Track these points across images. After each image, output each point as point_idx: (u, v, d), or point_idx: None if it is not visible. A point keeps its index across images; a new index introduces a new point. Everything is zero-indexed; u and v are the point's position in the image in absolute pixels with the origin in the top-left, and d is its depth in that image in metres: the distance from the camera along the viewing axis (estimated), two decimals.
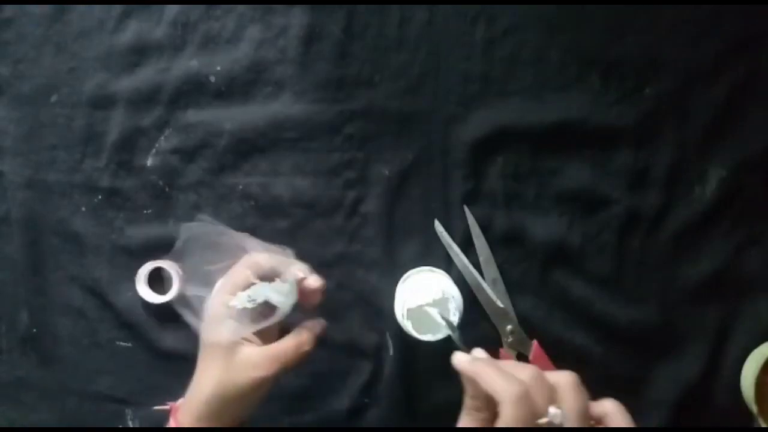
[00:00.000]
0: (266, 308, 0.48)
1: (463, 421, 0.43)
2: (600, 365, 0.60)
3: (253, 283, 0.48)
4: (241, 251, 0.50)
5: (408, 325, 0.53)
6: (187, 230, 0.52)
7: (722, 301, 0.60)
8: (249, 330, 0.48)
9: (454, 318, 0.53)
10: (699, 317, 0.60)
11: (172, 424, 0.49)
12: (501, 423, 0.39)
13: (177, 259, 0.52)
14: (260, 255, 0.50)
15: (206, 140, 0.62)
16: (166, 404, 0.51)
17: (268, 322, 0.48)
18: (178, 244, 0.52)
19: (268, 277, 0.49)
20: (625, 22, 0.60)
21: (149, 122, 0.62)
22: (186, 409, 0.48)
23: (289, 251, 0.51)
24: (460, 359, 0.43)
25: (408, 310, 0.53)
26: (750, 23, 0.60)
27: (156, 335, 0.62)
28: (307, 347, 0.49)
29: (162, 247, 0.62)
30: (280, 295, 0.48)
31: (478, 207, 0.61)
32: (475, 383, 0.41)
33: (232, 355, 0.48)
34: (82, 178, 0.63)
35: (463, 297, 0.55)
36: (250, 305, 0.48)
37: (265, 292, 0.48)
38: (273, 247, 0.51)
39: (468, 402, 0.43)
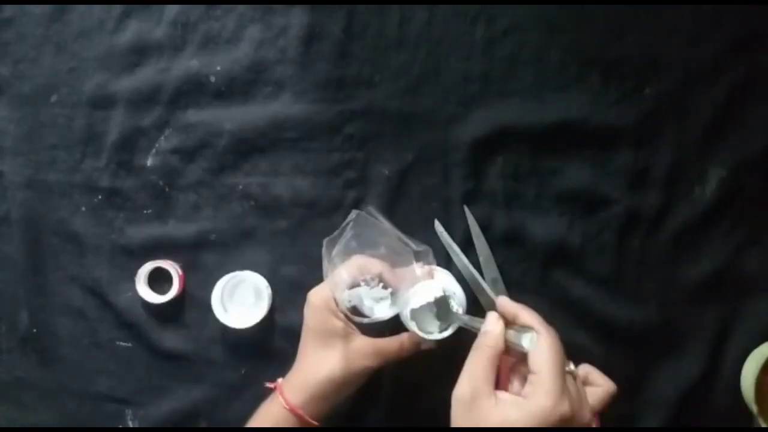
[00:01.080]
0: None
1: (475, 355, 0.48)
2: (600, 365, 0.60)
3: (359, 284, 0.53)
4: (394, 256, 0.54)
5: (413, 326, 0.53)
6: (354, 216, 0.56)
7: (722, 301, 0.60)
8: (364, 323, 0.53)
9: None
10: (699, 317, 0.60)
11: (278, 400, 0.52)
12: (542, 347, 0.45)
13: (335, 241, 0.55)
14: (372, 261, 0.53)
15: (206, 140, 0.62)
16: (272, 382, 0.54)
17: (363, 320, 0.53)
18: (344, 226, 0.55)
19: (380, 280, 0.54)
20: (625, 22, 0.60)
21: (149, 122, 0.62)
22: (297, 387, 0.52)
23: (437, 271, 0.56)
24: (503, 300, 0.52)
25: (412, 310, 0.53)
26: (750, 23, 0.60)
27: (156, 335, 0.62)
28: (406, 353, 0.54)
29: (162, 247, 0.62)
30: (372, 301, 0.53)
31: (478, 207, 0.61)
32: (515, 318, 0.49)
33: (347, 343, 0.52)
34: (82, 178, 0.63)
35: (464, 294, 0.56)
36: (348, 305, 0.53)
37: (361, 295, 0.53)
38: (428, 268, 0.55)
39: (486, 340, 0.48)
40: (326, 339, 0.52)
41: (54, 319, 0.63)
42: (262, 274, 0.61)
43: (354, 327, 0.53)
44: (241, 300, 0.61)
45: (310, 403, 0.51)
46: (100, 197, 0.63)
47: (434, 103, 0.61)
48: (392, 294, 0.54)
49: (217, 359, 0.62)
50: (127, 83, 0.62)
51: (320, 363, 0.52)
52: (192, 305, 0.62)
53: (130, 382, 0.63)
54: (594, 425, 0.46)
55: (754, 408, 0.57)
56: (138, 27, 0.62)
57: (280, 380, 0.54)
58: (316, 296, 0.53)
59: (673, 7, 0.60)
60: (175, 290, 0.61)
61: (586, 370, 0.49)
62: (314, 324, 0.53)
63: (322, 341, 0.53)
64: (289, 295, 0.61)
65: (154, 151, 0.63)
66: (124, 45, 0.62)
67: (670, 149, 0.60)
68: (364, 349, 0.52)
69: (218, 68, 0.62)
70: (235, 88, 0.62)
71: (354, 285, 0.53)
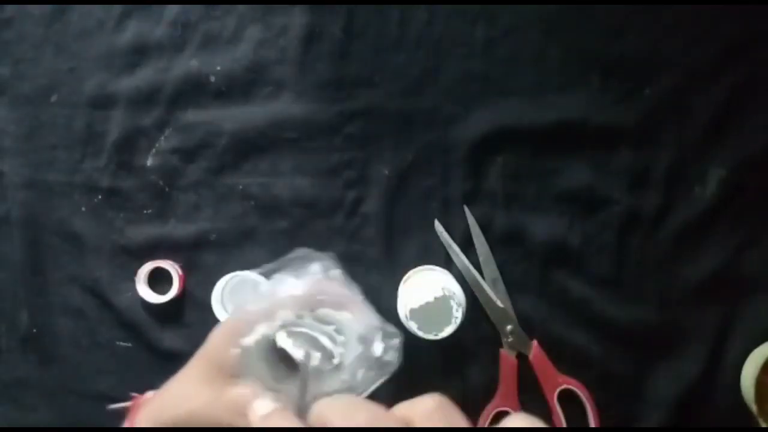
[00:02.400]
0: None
1: None
2: (600, 365, 0.60)
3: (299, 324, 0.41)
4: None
5: (412, 326, 0.53)
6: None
7: (722, 301, 0.60)
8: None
9: (457, 315, 0.53)
10: (699, 317, 0.60)
11: (126, 422, 0.43)
12: None
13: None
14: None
15: (206, 140, 0.62)
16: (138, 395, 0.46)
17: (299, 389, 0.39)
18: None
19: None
20: (625, 22, 0.60)
21: (149, 122, 0.62)
22: (151, 413, 0.42)
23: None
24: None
25: (411, 310, 0.53)
26: (750, 23, 0.60)
27: (156, 335, 0.62)
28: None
29: (162, 247, 0.62)
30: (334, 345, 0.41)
31: (478, 207, 0.61)
32: None
33: (229, 388, 0.39)
34: (82, 178, 0.63)
35: (464, 294, 0.56)
36: (298, 353, 0.40)
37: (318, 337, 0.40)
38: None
39: None
40: (208, 371, 0.41)
41: (54, 319, 0.63)
42: None
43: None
44: (241, 300, 0.61)
45: None
46: (100, 197, 0.63)
47: (434, 103, 0.61)
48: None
49: None
50: (127, 83, 0.62)
51: (186, 396, 0.41)
52: (192, 305, 0.62)
53: (130, 382, 0.63)
54: None
55: (754, 408, 0.57)
56: (138, 27, 0.62)
57: (150, 394, 0.44)
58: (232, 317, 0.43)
59: (673, 7, 0.60)
60: (175, 290, 0.61)
61: None
62: (213, 346, 0.42)
63: (202, 371, 0.42)
64: None
65: (154, 151, 0.63)
66: (124, 45, 0.62)
67: (670, 149, 0.60)
68: (239, 402, 0.38)
69: (218, 68, 0.62)
70: (235, 88, 0.62)
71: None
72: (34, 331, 0.63)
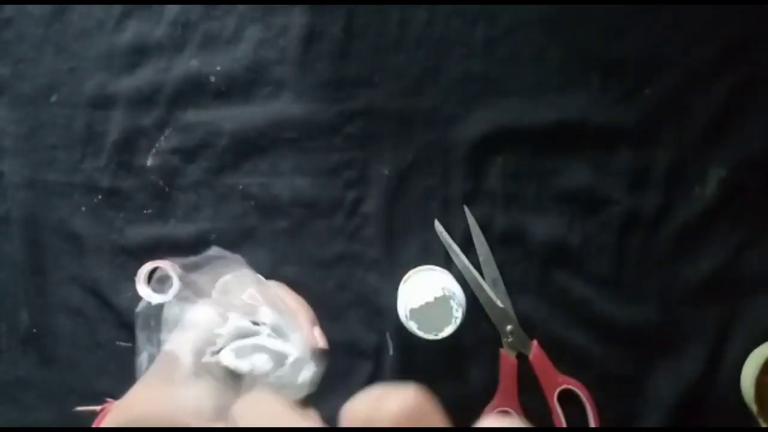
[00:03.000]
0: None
1: None
2: (600, 365, 0.60)
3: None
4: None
5: (412, 326, 0.53)
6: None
7: (722, 301, 0.60)
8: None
9: (457, 315, 0.53)
10: (699, 317, 0.60)
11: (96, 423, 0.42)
12: None
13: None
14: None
15: (206, 140, 0.62)
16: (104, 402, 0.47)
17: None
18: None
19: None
20: (625, 22, 0.60)
21: (149, 122, 0.62)
22: (112, 417, 0.42)
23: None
24: None
25: (411, 310, 0.53)
26: (750, 23, 0.60)
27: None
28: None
29: (162, 247, 0.62)
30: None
31: (478, 207, 0.61)
32: None
33: (187, 389, 0.40)
34: (82, 178, 0.63)
35: (464, 294, 0.56)
36: (243, 365, 0.41)
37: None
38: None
39: None
40: (168, 372, 0.42)
41: (54, 319, 0.63)
42: (262, 274, 0.61)
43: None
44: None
45: None
46: (100, 197, 0.63)
47: (434, 103, 0.61)
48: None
49: None
50: (127, 83, 0.62)
51: (146, 397, 0.41)
52: None
53: (130, 382, 0.63)
54: None
55: (754, 408, 0.57)
56: (138, 27, 0.62)
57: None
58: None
59: (673, 7, 0.60)
60: (175, 290, 0.61)
61: None
62: (168, 349, 0.43)
63: (163, 373, 0.43)
64: None
65: (154, 151, 0.63)
66: (124, 45, 0.62)
67: (670, 149, 0.60)
68: (200, 403, 0.39)
69: (218, 68, 0.62)
70: (235, 88, 0.62)
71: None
72: (34, 331, 0.63)
